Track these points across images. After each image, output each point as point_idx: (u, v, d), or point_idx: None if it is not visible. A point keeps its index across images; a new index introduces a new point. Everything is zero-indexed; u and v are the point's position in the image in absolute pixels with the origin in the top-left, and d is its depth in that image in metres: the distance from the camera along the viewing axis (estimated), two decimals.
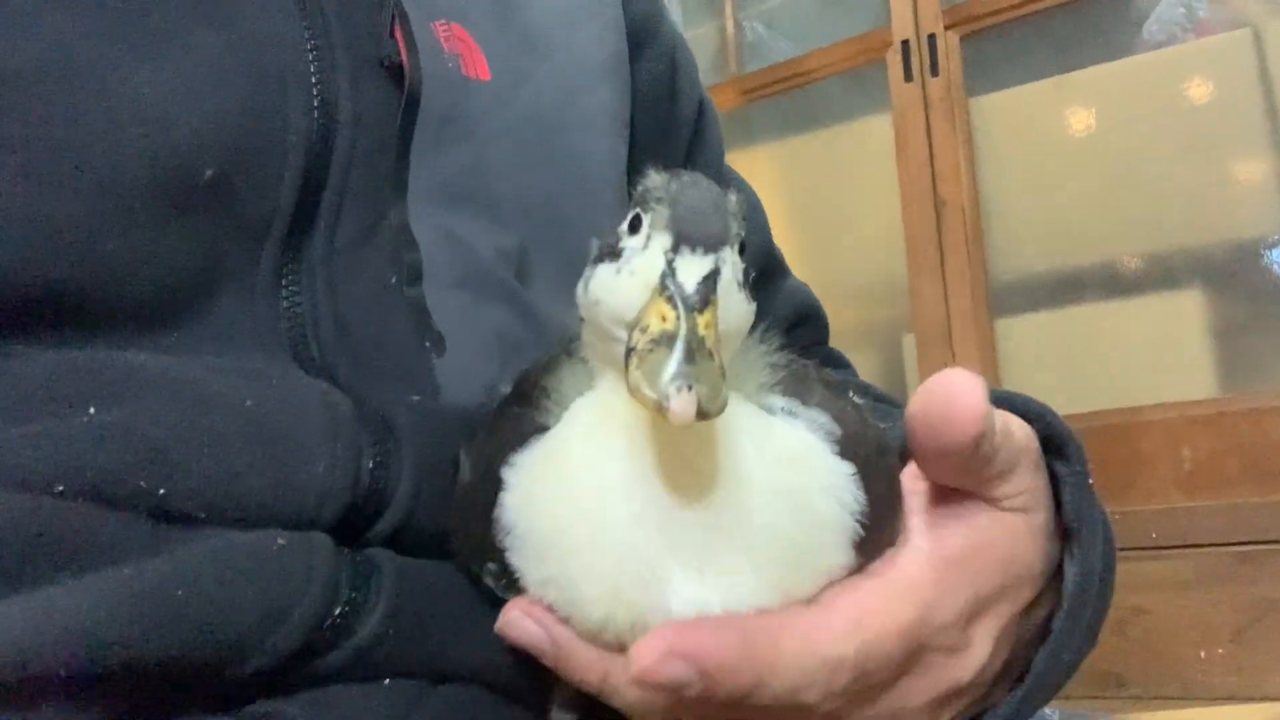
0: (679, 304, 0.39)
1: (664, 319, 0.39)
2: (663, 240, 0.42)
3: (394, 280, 0.61)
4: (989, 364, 2.50)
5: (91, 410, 0.48)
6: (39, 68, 0.51)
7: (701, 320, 0.39)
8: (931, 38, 2.65)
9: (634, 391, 0.37)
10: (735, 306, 0.42)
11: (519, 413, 0.49)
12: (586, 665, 0.46)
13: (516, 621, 0.47)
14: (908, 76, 2.67)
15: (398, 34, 0.62)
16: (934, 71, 2.64)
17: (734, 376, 0.44)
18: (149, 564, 0.47)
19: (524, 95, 0.72)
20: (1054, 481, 0.52)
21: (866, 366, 2.80)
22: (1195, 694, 2.02)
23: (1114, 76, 2.49)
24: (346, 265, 0.59)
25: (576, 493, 0.44)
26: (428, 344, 0.60)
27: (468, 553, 0.51)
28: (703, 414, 0.37)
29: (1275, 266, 2.29)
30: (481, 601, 0.55)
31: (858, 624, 0.44)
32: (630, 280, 0.42)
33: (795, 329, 0.90)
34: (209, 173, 0.54)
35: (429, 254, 0.62)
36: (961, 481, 0.48)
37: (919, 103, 2.65)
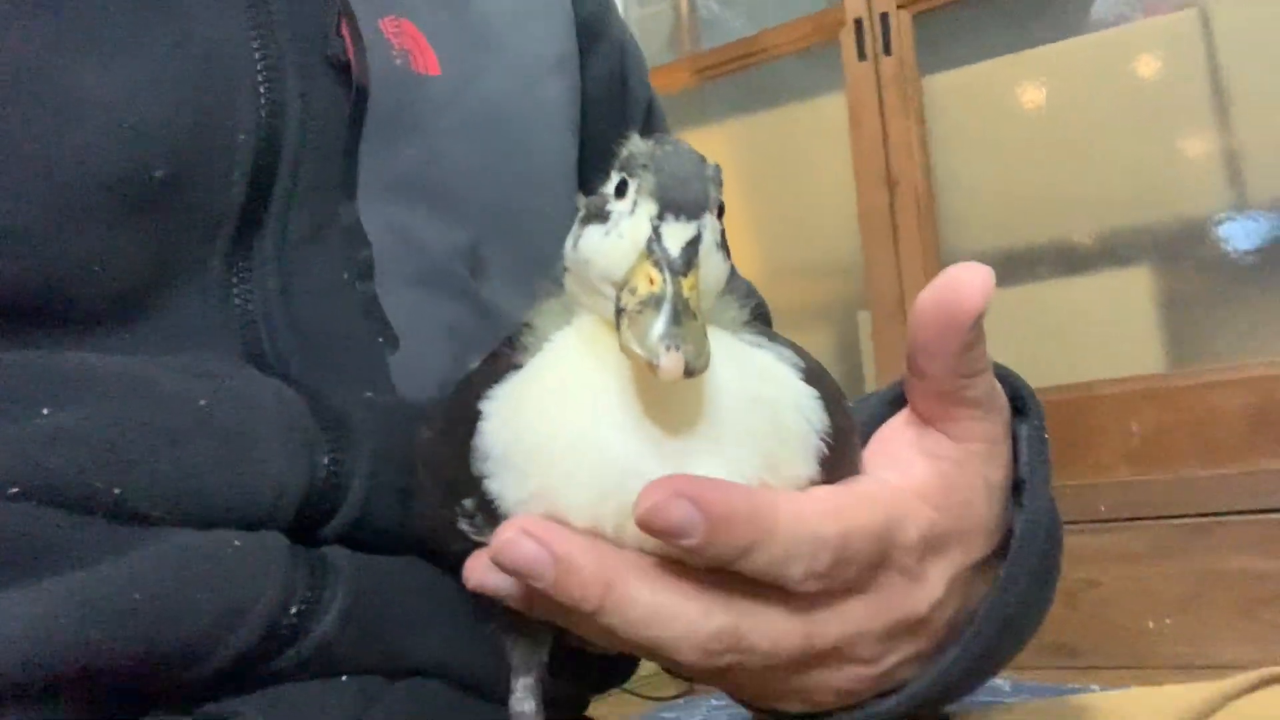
0: (665, 268, 0.43)
1: (651, 282, 0.42)
2: (648, 206, 0.45)
3: (346, 277, 0.61)
4: None
5: (45, 411, 0.48)
6: None
7: (685, 283, 0.42)
8: (884, 16, 2.66)
9: (625, 349, 0.40)
10: (715, 267, 0.46)
11: (493, 361, 0.50)
12: (588, 581, 0.43)
13: (514, 541, 0.44)
14: (861, 55, 2.68)
15: (344, 31, 0.62)
16: (887, 50, 2.65)
17: (712, 313, 0.48)
18: (104, 568, 0.47)
19: (475, 90, 0.72)
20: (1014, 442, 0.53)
21: (822, 343, 2.83)
22: (1146, 663, 2.06)
23: (1064, 55, 2.52)
24: (298, 262, 0.59)
25: (557, 405, 0.45)
26: (381, 340, 0.61)
27: (438, 499, 0.51)
28: (689, 371, 0.40)
29: (1222, 243, 2.33)
30: (440, 595, 0.56)
31: (840, 511, 0.45)
32: (619, 243, 0.45)
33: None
34: (160, 172, 0.54)
35: (381, 250, 0.62)
36: (949, 378, 0.48)
37: (872, 81, 2.66)
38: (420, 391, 0.61)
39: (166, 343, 0.55)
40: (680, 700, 2.15)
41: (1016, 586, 0.51)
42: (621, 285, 0.43)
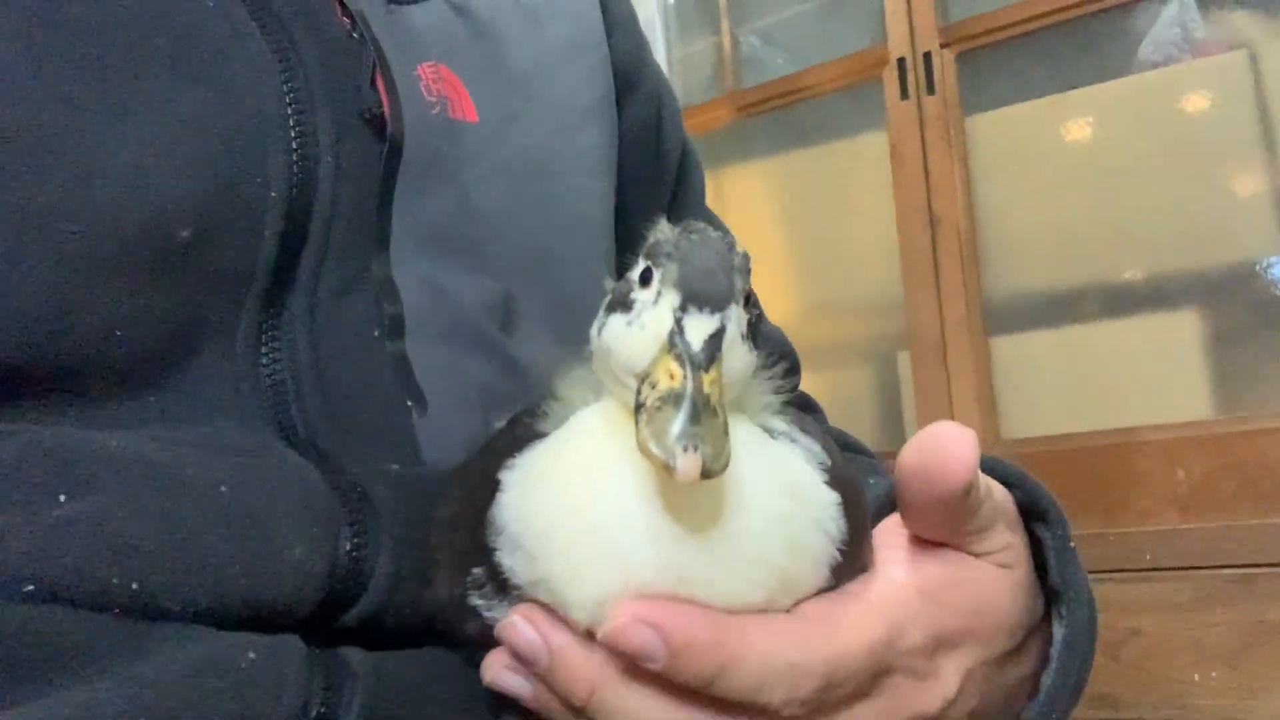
0: (686, 363, 0.42)
1: (672, 377, 0.41)
2: (672, 298, 0.44)
3: (377, 334, 0.60)
4: (984, 382, 2.49)
5: (62, 499, 0.47)
6: (5, 130, 0.50)
7: (707, 379, 0.41)
8: (927, 55, 2.65)
9: (642, 448, 0.40)
10: (739, 359, 0.45)
11: (516, 426, 0.50)
12: (576, 675, 0.45)
13: (514, 625, 0.46)
14: (904, 94, 2.67)
15: (379, 84, 0.61)
16: (930, 89, 2.63)
17: (741, 399, 0.47)
18: (111, 688, 0.45)
19: (512, 136, 0.72)
20: (1035, 544, 0.53)
21: (862, 382, 2.81)
22: (1190, 716, 2.01)
23: (1110, 95, 2.49)
24: (328, 320, 0.58)
25: (573, 491, 0.45)
26: (410, 403, 0.59)
27: (451, 569, 0.51)
28: (707, 474, 0.39)
29: (1272, 285, 2.29)
30: (457, 691, 0.54)
31: (828, 635, 0.44)
32: (641, 334, 0.45)
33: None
34: (185, 233, 0.53)
35: (412, 305, 0.61)
36: (945, 534, 0.49)
37: (915, 120, 2.64)
38: (447, 458, 0.59)
39: (193, 410, 0.53)
40: None
41: (1060, 699, 0.51)
42: (643, 378, 0.42)
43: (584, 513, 0.44)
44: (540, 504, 0.45)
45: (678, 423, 0.39)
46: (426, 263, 0.63)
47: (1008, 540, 0.50)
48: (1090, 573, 1.92)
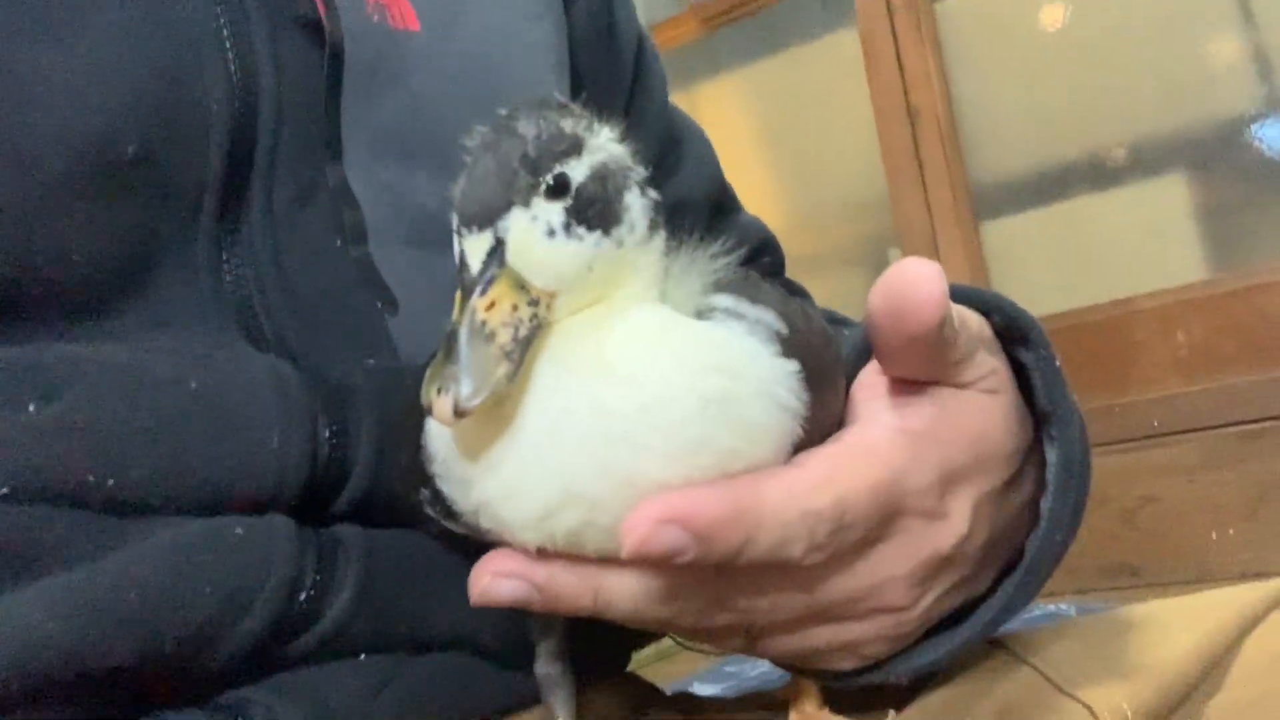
0: (460, 293, 0.41)
1: (456, 311, 0.41)
2: (454, 220, 0.43)
3: (339, 242, 0.60)
4: (977, 268, 2.49)
5: (31, 407, 0.48)
6: None
7: (481, 303, 0.41)
8: None
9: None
10: (555, 254, 0.43)
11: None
12: (575, 593, 0.45)
13: (492, 586, 0.45)
14: None
15: None
16: None
17: (673, 282, 0.46)
18: (101, 565, 0.46)
19: (457, 40, 0.71)
20: (1019, 370, 0.52)
21: (854, 284, 2.80)
22: (1211, 575, 2.04)
23: None
24: (287, 230, 0.58)
25: (495, 413, 0.43)
26: (380, 305, 0.59)
27: (403, 481, 0.51)
28: (461, 412, 0.39)
29: (1255, 144, 2.28)
30: (454, 565, 0.54)
31: (831, 478, 0.44)
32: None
33: (751, 262, 0.90)
34: (131, 149, 0.53)
35: (372, 211, 0.61)
36: (925, 372, 0.48)
37: (884, 12, 2.61)
38: (425, 351, 0.60)
39: (156, 325, 0.54)
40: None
41: (1061, 521, 0.50)
42: None
43: (508, 428, 0.43)
44: (465, 427, 0.44)
45: (433, 364, 0.40)
46: (383, 168, 0.63)
47: (991, 365, 0.49)
48: (1100, 445, 1.94)
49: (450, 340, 0.40)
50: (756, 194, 2.80)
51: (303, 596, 0.50)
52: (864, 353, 0.52)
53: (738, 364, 0.44)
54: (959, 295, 0.50)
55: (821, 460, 0.45)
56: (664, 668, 2.08)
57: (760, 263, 0.92)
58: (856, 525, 0.45)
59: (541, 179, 0.43)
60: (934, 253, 2.51)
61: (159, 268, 0.55)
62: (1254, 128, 2.27)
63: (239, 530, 0.49)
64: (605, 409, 0.42)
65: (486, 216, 0.42)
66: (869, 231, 2.78)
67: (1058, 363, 0.51)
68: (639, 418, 0.42)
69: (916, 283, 0.43)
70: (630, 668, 0.71)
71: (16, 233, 0.50)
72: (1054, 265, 2.45)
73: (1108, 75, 2.40)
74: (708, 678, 1.96)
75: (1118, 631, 0.57)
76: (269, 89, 0.58)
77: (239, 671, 0.49)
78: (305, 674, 0.51)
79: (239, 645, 0.48)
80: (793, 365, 0.45)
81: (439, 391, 0.39)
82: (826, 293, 1.03)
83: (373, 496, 0.55)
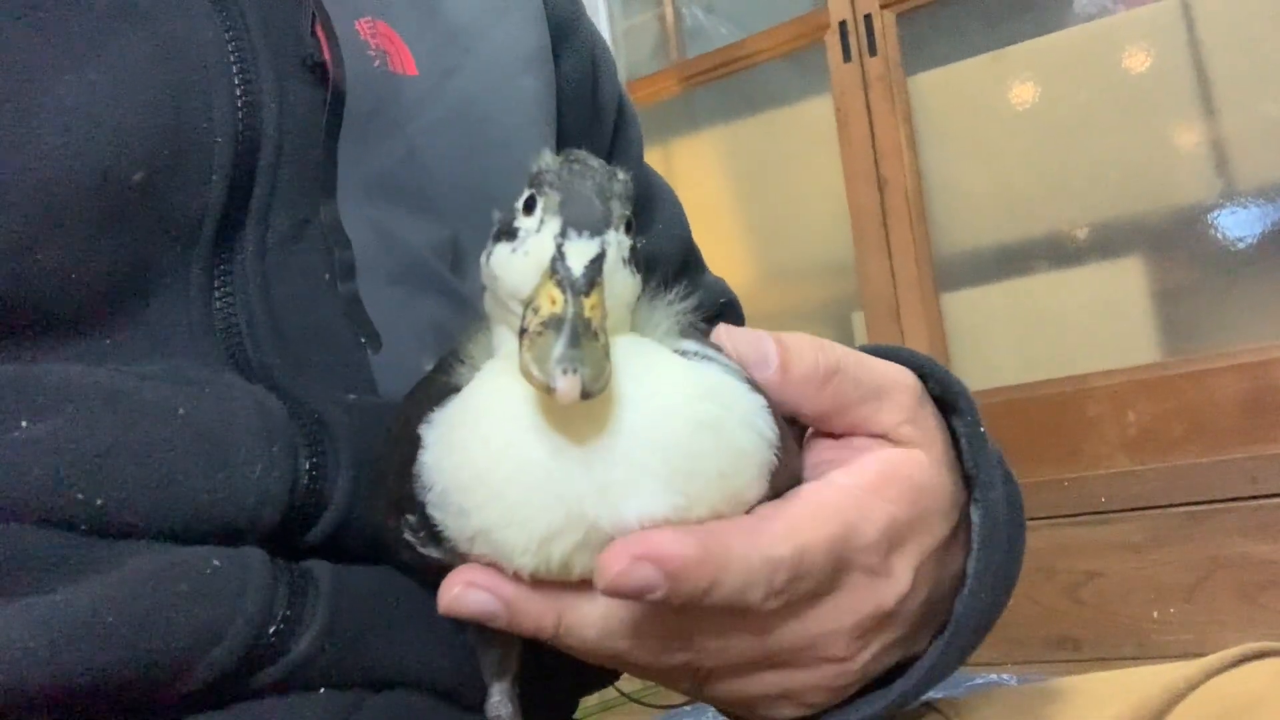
0: (567, 288, 0.42)
1: (553, 302, 0.42)
2: (553, 225, 0.45)
3: (327, 278, 0.61)
4: (937, 337, 2.53)
5: (24, 424, 0.49)
6: None
7: (588, 303, 0.42)
8: (868, 18, 2.67)
9: (524, 372, 0.40)
10: (621, 283, 0.45)
11: (434, 377, 0.51)
12: (540, 614, 0.46)
13: (461, 596, 0.46)
14: (846, 57, 2.69)
15: (319, 33, 0.62)
16: (872, 51, 2.66)
17: (644, 323, 0.49)
18: (81, 588, 0.47)
19: (452, 88, 0.73)
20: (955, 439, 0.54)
21: None
22: (1150, 653, 2.06)
23: (1048, 50, 2.53)
24: (279, 264, 0.60)
25: (496, 437, 0.45)
26: (363, 340, 0.61)
27: (386, 508, 0.51)
28: (586, 394, 0.40)
29: (1211, 231, 2.34)
30: (418, 605, 0.56)
31: (792, 529, 0.46)
32: (525, 260, 0.45)
33: (714, 321, 0.92)
34: (137, 176, 0.54)
35: (362, 250, 0.62)
36: (837, 416, 0.51)
37: (858, 82, 2.67)
38: (403, 390, 0.60)
39: (147, 350, 0.55)
40: (686, 708, 2.15)
41: (984, 581, 0.52)
42: (527, 304, 0.43)
43: (511, 455, 0.44)
44: (464, 456, 0.45)
45: (558, 346, 0.40)
46: (374, 209, 0.65)
47: (908, 414, 0.51)
48: (1048, 518, 1.98)
49: (556, 326, 0.41)
50: (726, 249, 2.83)
51: (271, 630, 0.51)
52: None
53: (724, 394, 0.47)
54: (898, 357, 0.54)
55: (782, 512, 0.47)
56: (608, 718, 2.07)
57: (723, 320, 0.94)
58: (811, 575, 0.46)
59: (626, 212, 0.46)
60: (896, 319, 2.55)
61: (153, 293, 0.56)
62: (1211, 216, 2.34)
63: (216, 562, 0.50)
64: (605, 429, 0.43)
65: (596, 226, 0.44)
66: (834, 294, 2.82)
67: (982, 428, 0.53)
68: (637, 437, 0.43)
69: (751, 340, 0.50)
70: (576, 717, 0.72)
71: (21, 254, 0.51)
72: (1012, 339, 2.49)
73: (1072, 157, 2.46)
74: None
75: (1048, 701, 0.59)
76: (271, 126, 0.60)
77: (203, 699, 0.50)
78: (267, 704, 0.52)
79: (207, 674, 0.49)
80: (762, 400, 0.48)
81: (565, 371, 0.39)
82: None
83: (345, 530, 0.55)
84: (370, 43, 0.68)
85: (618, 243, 0.45)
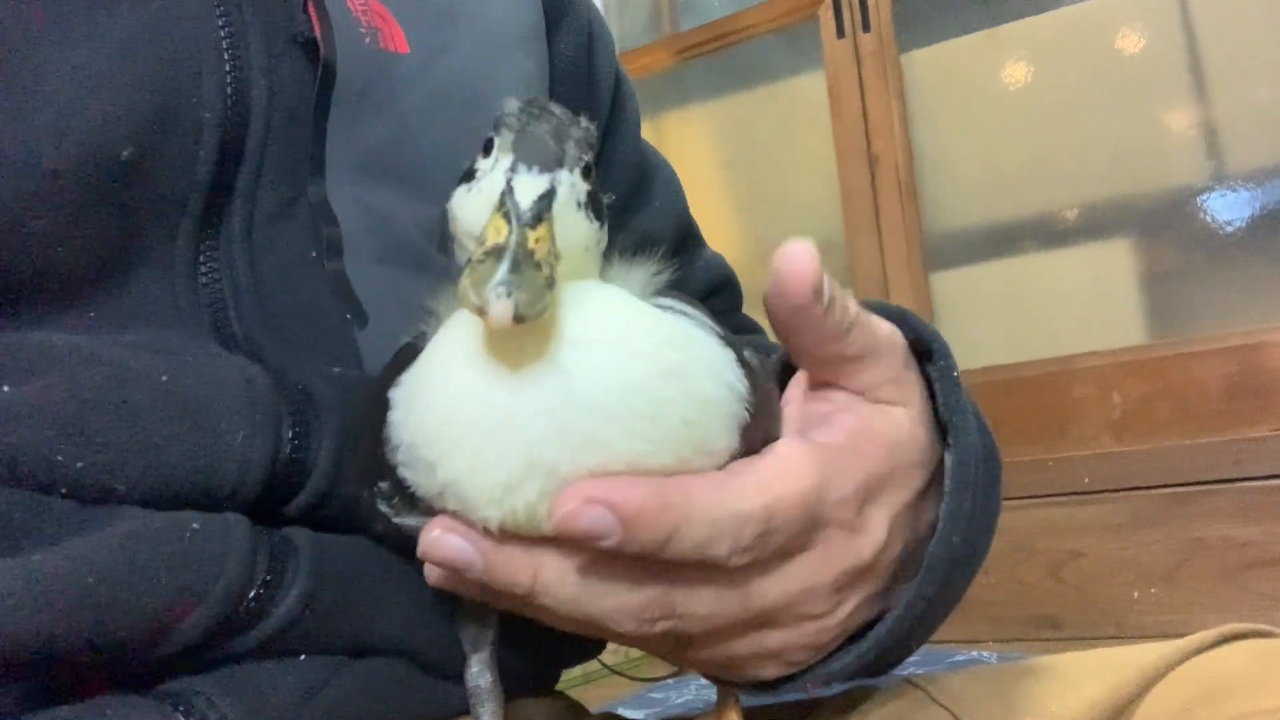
0: (512, 219, 0.42)
1: (498, 232, 0.42)
2: (506, 161, 0.45)
3: (314, 255, 0.61)
4: (925, 315, 2.52)
5: (5, 388, 0.49)
6: None
7: (532, 235, 0.42)
8: None
9: (462, 296, 0.40)
10: (574, 225, 0.45)
11: (408, 345, 0.51)
12: (516, 567, 0.45)
13: (440, 540, 0.46)
14: (840, 33, 2.68)
15: (310, 9, 0.62)
16: (865, 27, 2.65)
17: (619, 280, 0.49)
18: (60, 549, 0.47)
19: (443, 66, 0.73)
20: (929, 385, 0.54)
21: None
22: (1130, 634, 2.08)
23: (1042, 29, 2.52)
24: (266, 240, 0.60)
25: (451, 386, 0.45)
26: (350, 317, 0.61)
27: (359, 477, 0.52)
28: (519, 318, 0.39)
29: (1201, 214, 2.34)
30: (401, 574, 0.56)
31: (762, 485, 0.46)
32: (478, 198, 0.46)
33: (711, 297, 0.92)
34: (126, 152, 0.54)
35: (350, 228, 0.62)
36: (824, 362, 0.51)
37: (851, 59, 2.66)
38: None
39: (133, 321, 0.55)
40: (670, 680, 2.17)
41: (958, 526, 0.52)
42: (478, 240, 0.43)
43: (471, 401, 0.44)
44: (428, 408, 0.45)
45: (498, 272, 0.40)
46: (362, 188, 0.65)
47: (893, 374, 0.51)
48: (1032, 497, 1.99)
49: (498, 254, 0.41)
50: (716, 223, 2.82)
51: (252, 594, 0.51)
52: (786, 368, 0.55)
53: (691, 344, 0.46)
54: (874, 309, 0.53)
55: (754, 468, 0.47)
56: (590, 691, 2.09)
57: (720, 297, 0.94)
58: (781, 531, 0.46)
59: (585, 157, 0.46)
60: (885, 296, 2.55)
61: (139, 266, 0.56)
62: (1200, 199, 2.34)
63: (195, 525, 0.50)
64: (565, 371, 0.43)
65: (546, 163, 0.44)
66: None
67: (956, 373, 0.53)
68: (598, 380, 0.43)
69: (790, 256, 0.47)
70: (559, 689, 0.72)
71: (11, 226, 0.51)
72: (999, 318, 2.50)
73: (1064, 138, 2.46)
74: (633, 703, 1.97)
75: (1028, 679, 0.59)
76: (260, 103, 0.60)
77: (184, 663, 0.50)
78: (247, 669, 0.52)
79: (187, 638, 0.49)
80: (732, 354, 0.48)
81: (498, 295, 0.39)
82: None
83: (327, 501, 0.56)
84: (362, 19, 0.68)
85: (571, 184, 0.45)
